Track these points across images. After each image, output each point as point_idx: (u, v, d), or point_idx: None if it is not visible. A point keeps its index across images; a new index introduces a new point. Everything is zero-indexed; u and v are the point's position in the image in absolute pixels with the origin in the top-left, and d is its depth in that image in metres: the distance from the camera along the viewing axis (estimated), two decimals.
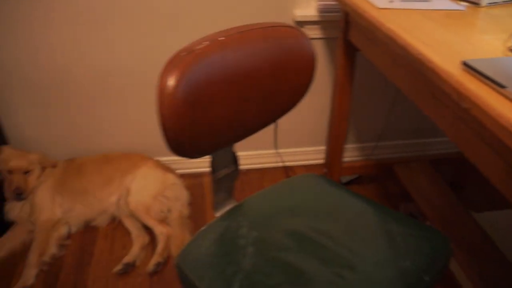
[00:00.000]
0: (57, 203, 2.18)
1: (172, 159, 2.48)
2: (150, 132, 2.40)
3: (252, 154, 2.50)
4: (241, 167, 2.54)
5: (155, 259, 2.00)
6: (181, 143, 0.96)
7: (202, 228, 1.22)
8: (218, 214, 1.34)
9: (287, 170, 2.49)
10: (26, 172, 2.16)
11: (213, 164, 1.21)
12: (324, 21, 2.13)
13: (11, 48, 2.08)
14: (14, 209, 2.20)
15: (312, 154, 2.51)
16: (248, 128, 1.13)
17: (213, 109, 0.99)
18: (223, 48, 0.99)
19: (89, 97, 2.28)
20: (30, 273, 1.97)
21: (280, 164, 2.54)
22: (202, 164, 2.52)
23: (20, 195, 2.13)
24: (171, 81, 0.90)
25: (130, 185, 2.19)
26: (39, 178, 2.21)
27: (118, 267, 1.99)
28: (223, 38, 1.00)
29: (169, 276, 1.95)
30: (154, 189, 2.18)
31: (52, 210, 2.16)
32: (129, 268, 1.99)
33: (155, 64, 2.20)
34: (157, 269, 1.97)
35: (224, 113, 1.02)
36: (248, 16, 2.10)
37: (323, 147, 2.51)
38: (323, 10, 2.09)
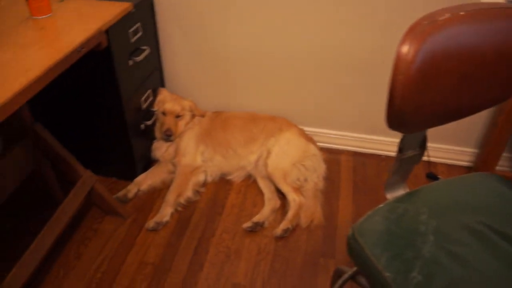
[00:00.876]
0: (199, 151, 2.25)
1: (313, 130, 2.47)
2: (296, 99, 2.40)
3: (395, 141, 2.41)
4: (382, 153, 2.47)
5: (285, 224, 2.00)
6: (402, 113, 0.92)
7: (380, 206, 1.19)
8: (389, 195, 1.30)
9: (429, 165, 2.37)
10: (178, 116, 2.25)
11: (402, 144, 1.17)
12: None
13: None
14: (160, 149, 2.31)
15: (457, 154, 2.37)
16: (459, 111, 1.06)
17: (439, 83, 0.93)
18: (462, 23, 0.93)
19: (243, 59, 2.31)
20: (166, 211, 2.07)
21: (425, 158, 2.42)
22: (341, 141, 2.48)
23: (169, 136, 2.22)
24: (411, 48, 0.86)
25: (272, 148, 2.21)
26: (188, 124, 2.29)
27: (248, 224, 2.02)
28: (463, 13, 0.93)
29: (293, 244, 1.96)
30: (294, 156, 2.18)
31: (194, 156, 2.23)
32: (258, 228, 2.02)
33: (311, 38, 2.17)
34: (284, 234, 1.98)
35: (446, 90, 0.96)
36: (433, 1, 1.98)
37: (470, 149, 2.35)
38: None
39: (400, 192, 1.31)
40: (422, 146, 1.22)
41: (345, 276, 1.41)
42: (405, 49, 0.86)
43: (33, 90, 1.29)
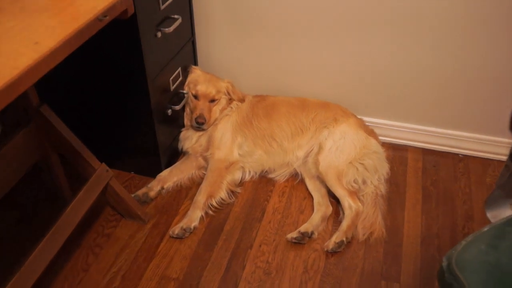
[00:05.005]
0: (236, 143, 2.17)
1: (374, 121, 2.36)
2: (354, 82, 2.29)
3: (478, 138, 2.29)
4: (460, 151, 2.35)
5: (338, 236, 1.90)
6: None
7: (484, 229, 1.06)
8: (489, 213, 1.18)
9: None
10: (212, 100, 2.17)
11: None
12: None
13: None
14: (190, 139, 2.24)
15: None
16: None
17: None
18: None
19: (290, 32, 2.22)
20: (195, 215, 2.00)
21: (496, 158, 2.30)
22: (408, 136, 2.37)
23: (201, 124, 2.15)
24: None
25: (325, 142, 2.10)
26: (224, 110, 2.21)
27: (293, 234, 1.93)
28: None
29: (348, 262, 1.86)
30: (352, 152, 2.07)
31: (230, 150, 2.15)
32: (305, 239, 1.92)
33: (368, 20, 2.07)
34: (338, 249, 1.88)
35: None
36: None
37: None
38: None
39: (506, 211, 1.18)
40: None
41: None
42: None
43: (44, 68, 1.19)
